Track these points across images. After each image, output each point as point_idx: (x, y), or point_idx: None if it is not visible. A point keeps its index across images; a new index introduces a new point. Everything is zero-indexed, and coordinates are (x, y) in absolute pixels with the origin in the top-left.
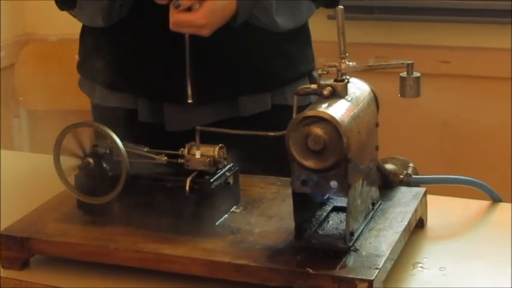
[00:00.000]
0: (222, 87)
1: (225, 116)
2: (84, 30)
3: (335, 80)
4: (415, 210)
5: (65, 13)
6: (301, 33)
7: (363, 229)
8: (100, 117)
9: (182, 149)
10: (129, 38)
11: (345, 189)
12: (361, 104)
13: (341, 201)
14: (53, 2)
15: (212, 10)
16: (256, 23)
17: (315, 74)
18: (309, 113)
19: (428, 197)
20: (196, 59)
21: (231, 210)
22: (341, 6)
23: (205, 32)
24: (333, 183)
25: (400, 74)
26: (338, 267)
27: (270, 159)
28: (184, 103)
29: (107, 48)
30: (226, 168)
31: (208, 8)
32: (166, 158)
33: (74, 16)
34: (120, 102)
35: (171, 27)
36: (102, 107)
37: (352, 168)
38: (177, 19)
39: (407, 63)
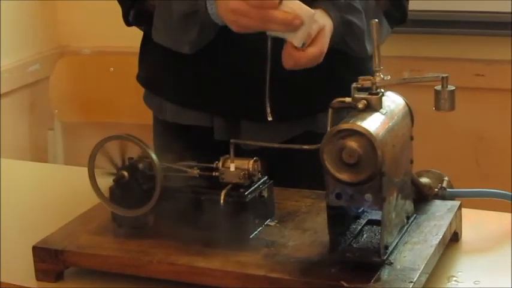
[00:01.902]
0: (301, 104)
1: (299, 132)
2: (150, 44)
3: (370, 93)
4: (450, 224)
5: (97, 26)
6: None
7: (397, 242)
8: (169, 134)
9: (217, 162)
10: (206, 57)
11: (379, 202)
12: (395, 117)
13: (375, 215)
14: (86, 14)
15: (326, 40)
16: (343, 47)
17: None
18: (343, 126)
19: (463, 210)
20: (276, 76)
21: (265, 223)
22: (376, 20)
23: (320, 61)
24: (368, 197)
25: (435, 87)
26: (372, 281)
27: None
28: (263, 121)
29: (181, 65)
30: (261, 181)
31: (324, 41)
32: (198, 170)
33: (143, 31)
34: (194, 120)
35: (288, 66)
36: (173, 124)
37: (386, 181)
38: (300, 58)
39: (442, 77)
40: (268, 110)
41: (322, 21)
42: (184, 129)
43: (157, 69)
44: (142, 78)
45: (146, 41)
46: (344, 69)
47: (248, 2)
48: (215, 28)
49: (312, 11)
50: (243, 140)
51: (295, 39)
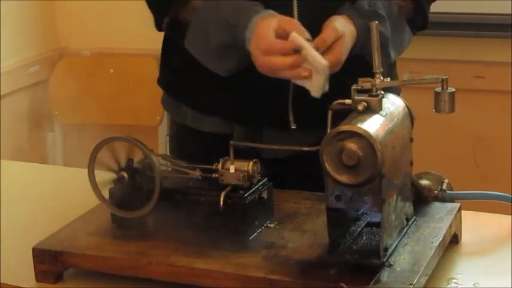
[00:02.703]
0: (322, 112)
1: (318, 140)
2: (173, 48)
3: (369, 95)
4: (450, 226)
5: (97, 27)
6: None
7: (397, 245)
8: (187, 138)
9: (216, 163)
10: None
11: (379, 204)
12: (395, 119)
13: (375, 217)
14: (86, 16)
15: (343, 50)
16: (366, 55)
17: None
18: (343, 128)
19: (463, 212)
20: (297, 84)
21: (264, 225)
22: (376, 22)
23: (337, 69)
24: (367, 199)
25: (435, 89)
26: (372, 283)
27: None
28: (285, 129)
29: (204, 73)
30: (261, 183)
31: (341, 50)
32: (200, 172)
33: (173, 38)
34: (215, 127)
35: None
36: (191, 128)
37: (386, 183)
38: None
39: (442, 78)
40: (292, 117)
41: (342, 29)
42: (204, 134)
43: (180, 75)
44: (163, 83)
45: (169, 45)
46: (366, 76)
47: (267, 53)
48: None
49: (326, 62)
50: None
51: (312, 89)
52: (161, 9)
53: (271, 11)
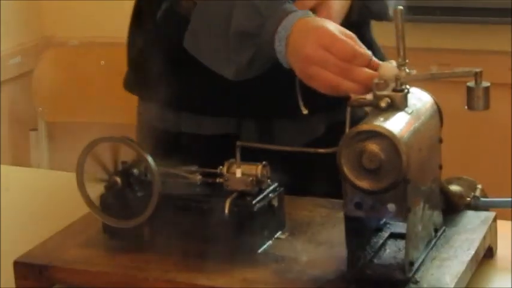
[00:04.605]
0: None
1: (330, 123)
2: (155, 42)
3: (393, 90)
4: (484, 238)
5: (87, 14)
6: None
7: (424, 258)
8: (183, 148)
9: (221, 167)
10: None
11: (403, 213)
12: (422, 117)
13: (399, 227)
14: (74, 1)
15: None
16: (365, 12)
17: None
18: (363, 127)
19: (498, 222)
20: None
21: (275, 236)
22: (400, 7)
23: None
24: (390, 207)
25: (467, 84)
26: None
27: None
28: (296, 117)
29: (202, 70)
30: (270, 188)
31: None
32: (200, 177)
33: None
34: (218, 129)
35: None
36: (188, 135)
37: (412, 189)
38: None
39: (475, 72)
40: (301, 103)
41: None
42: (203, 138)
43: (154, 73)
44: (138, 86)
45: (132, 36)
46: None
47: (334, 52)
48: (270, 60)
49: (396, 70)
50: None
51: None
52: None
53: (310, 12)
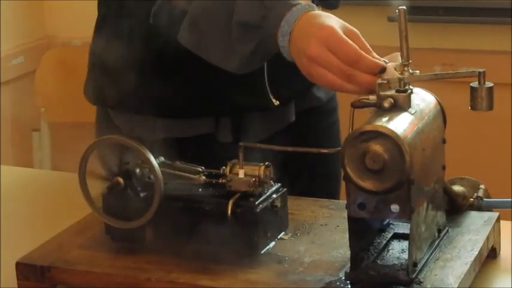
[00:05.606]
0: (297, 84)
1: (302, 109)
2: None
3: (396, 91)
4: (487, 238)
5: (89, 14)
6: None
7: (427, 259)
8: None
9: (223, 167)
10: (196, 57)
11: (407, 213)
12: (426, 117)
13: (403, 228)
14: (76, 1)
15: None
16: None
17: None
18: (366, 127)
19: (502, 223)
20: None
21: (278, 237)
22: (403, 7)
23: None
24: (394, 207)
25: (471, 84)
26: None
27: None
28: (268, 108)
29: (174, 74)
30: (273, 189)
31: None
32: (204, 177)
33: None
34: (195, 130)
35: None
36: (166, 140)
37: (415, 190)
38: None
39: (479, 72)
40: (271, 95)
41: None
42: (181, 142)
43: (129, 80)
44: (105, 96)
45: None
46: None
47: (339, 55)
48: (273, 52)
49: (396, 73)
50: (250, 141)
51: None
52: None
53: (313, 4)
